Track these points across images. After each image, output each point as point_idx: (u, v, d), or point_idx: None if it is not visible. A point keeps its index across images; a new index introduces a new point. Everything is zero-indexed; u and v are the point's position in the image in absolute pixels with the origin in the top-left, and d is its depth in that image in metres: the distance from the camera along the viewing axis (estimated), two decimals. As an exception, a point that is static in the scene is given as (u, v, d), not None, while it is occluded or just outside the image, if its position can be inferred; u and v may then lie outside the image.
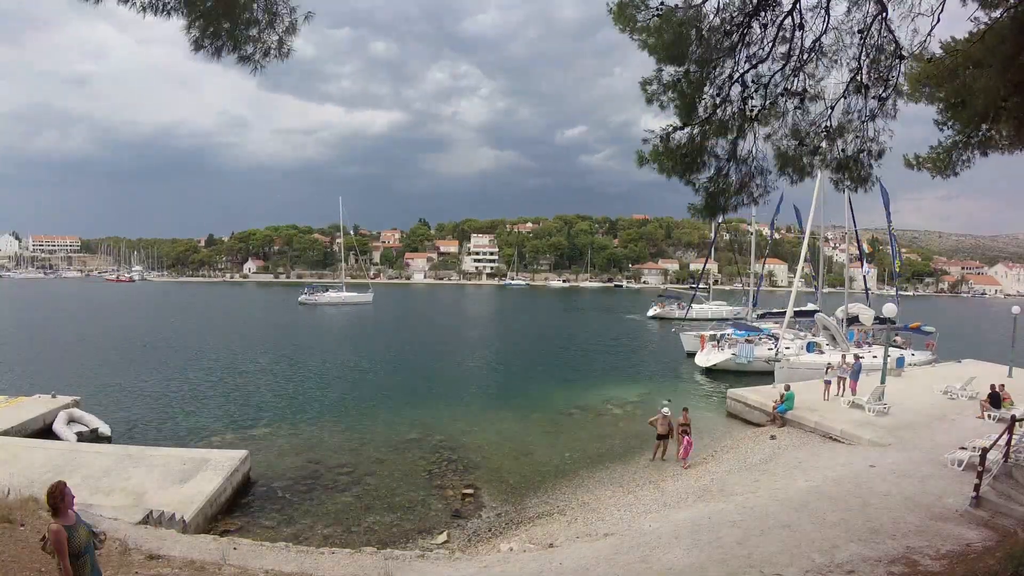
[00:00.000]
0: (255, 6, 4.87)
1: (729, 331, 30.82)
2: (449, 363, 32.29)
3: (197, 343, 37.14)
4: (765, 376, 23.58)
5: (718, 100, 5.92)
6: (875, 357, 26.10)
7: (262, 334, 43.46)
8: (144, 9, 4.58)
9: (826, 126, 6.16)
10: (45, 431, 16.07)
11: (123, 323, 48.54)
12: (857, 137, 6.13)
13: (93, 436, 16.61)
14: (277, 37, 5.14)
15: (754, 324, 32.28)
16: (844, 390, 19.02)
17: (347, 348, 37.05)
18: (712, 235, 60.19)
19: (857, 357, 20.88)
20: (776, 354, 24.70)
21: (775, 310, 35.58)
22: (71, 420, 16.84)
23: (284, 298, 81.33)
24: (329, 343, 39.58)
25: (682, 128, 6.09)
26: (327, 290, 74.43)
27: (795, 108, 6.06)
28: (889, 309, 23.97)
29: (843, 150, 6.21)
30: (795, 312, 29.75)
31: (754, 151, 6.25)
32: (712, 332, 32.07)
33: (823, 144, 6.20)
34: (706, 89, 5.86)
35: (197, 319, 53.66)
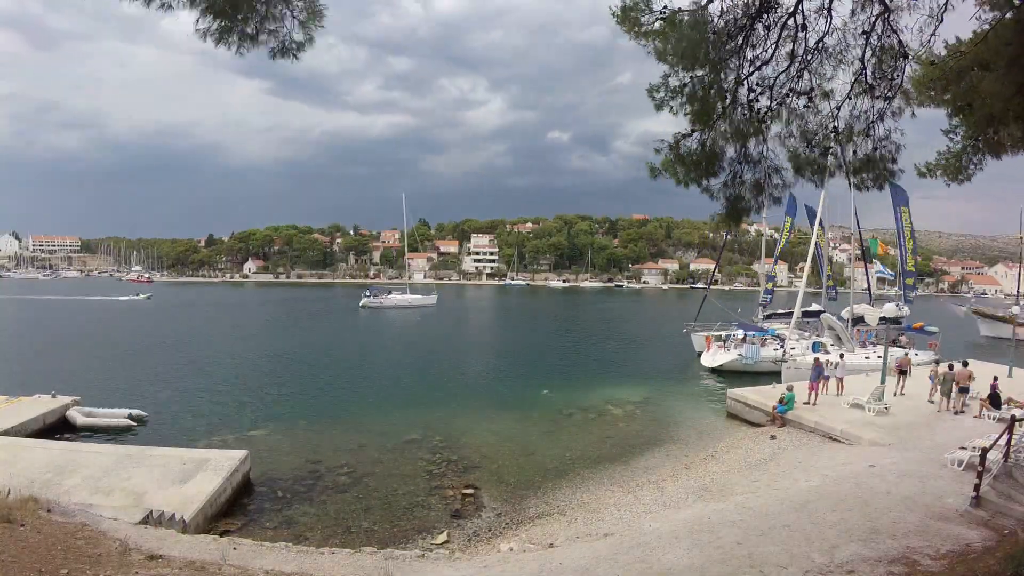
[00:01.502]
0: None
1: (736, 331, 30.87)
2: (449, 364, 32.29)
3: (250, 349, 36.10)
4: (771, 376, 23.57)
5: (727, 103, 5.88)
6: (880, 357, 26.13)
7: (344, 345, 37.92)
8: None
9: (834, 127, 6.11)
10: (45, 431, 16.08)
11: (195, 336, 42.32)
12: (869, 137, 6.07)
13: (131, 419, 17.63)
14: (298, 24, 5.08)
15: (760, 324, 32.32)
16: (841, 389, 19.20)
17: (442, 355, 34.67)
18: (725, 235, 59.88)
19: (817, 360, 20.87)
20: (783, 354, 24.71)
21: (781, 311, 35.60)
22: (88, 415, 17.19)
23: (345, 301, 76.00)
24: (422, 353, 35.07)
25: (691, 134, 6.04)
26: (390, 292, 68.97)
27: (804, 108, 6.01)
28: (889, 309, 23.98)
29: (855, 151, 6.15)
30: (801, 312, 29.80)
31: (765, 151, 6.19)
32: (718, 332, 32.10)
33: (833, 144, 6.14)
34: (714, 92, 5.82)
35: (261, 328, 48.46)
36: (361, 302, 65.41)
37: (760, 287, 38.60)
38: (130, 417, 17.65)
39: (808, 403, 18.00)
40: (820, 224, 32.09)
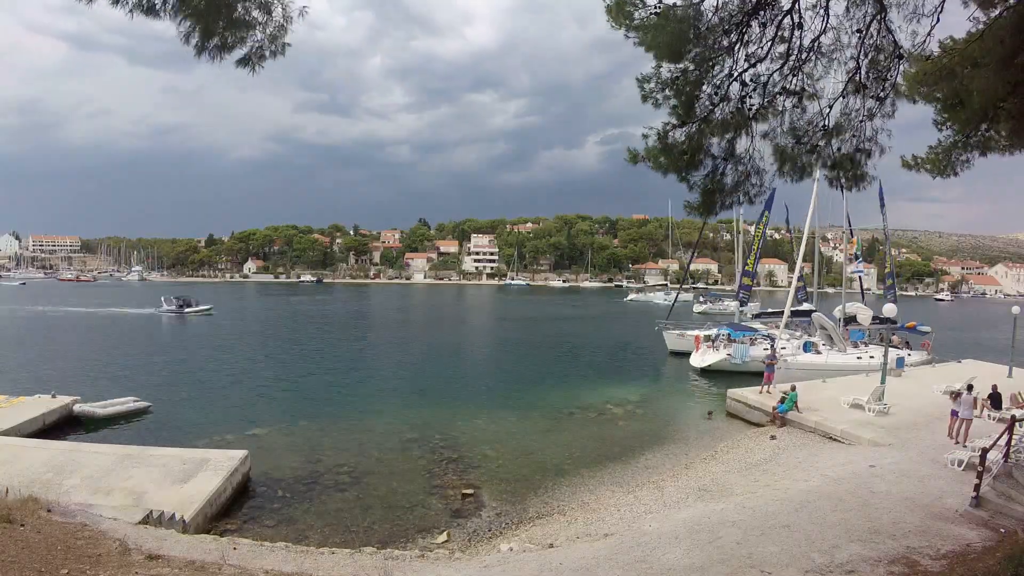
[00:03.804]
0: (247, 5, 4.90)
1: (724, 331, 30.78)
2: (449, 363, 32.30)
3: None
4: (760, 377, 23.54)
5: (716, 99, 5.91)
6: (872, 357, 26.11)
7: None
8: (133, 9, 4.61)
9: (823, 125, 6.15)
10: (45, 431, 16.09)
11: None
12: (854, 136, 6.12)
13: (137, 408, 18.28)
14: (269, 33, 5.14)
15: (748, 324, 32.24)
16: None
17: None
18: (711, 234, 59.69)
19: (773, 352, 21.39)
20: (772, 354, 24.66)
21: (771, 310, 35.49)
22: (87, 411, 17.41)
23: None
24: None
25: (680, 126, 6.07)
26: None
27: (793, 107, 6.05)
28: (889, 309, 23.97)
29: (839, 149, 6.19)
30: (792, 312, 29.72)
31: (751, 150, 6.24)
32: (707, 332, 32.05)
33: (820, 143, 6.18)
34: (704, 87, 5.84)
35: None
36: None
37: (737, 286, 37.94)
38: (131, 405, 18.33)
39: (762, 392, 18.58)
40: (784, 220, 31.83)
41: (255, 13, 4.96)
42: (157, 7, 4.62)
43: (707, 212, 6.87)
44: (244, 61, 5.23)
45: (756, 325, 31.94)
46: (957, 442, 13.35)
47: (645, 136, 6.15)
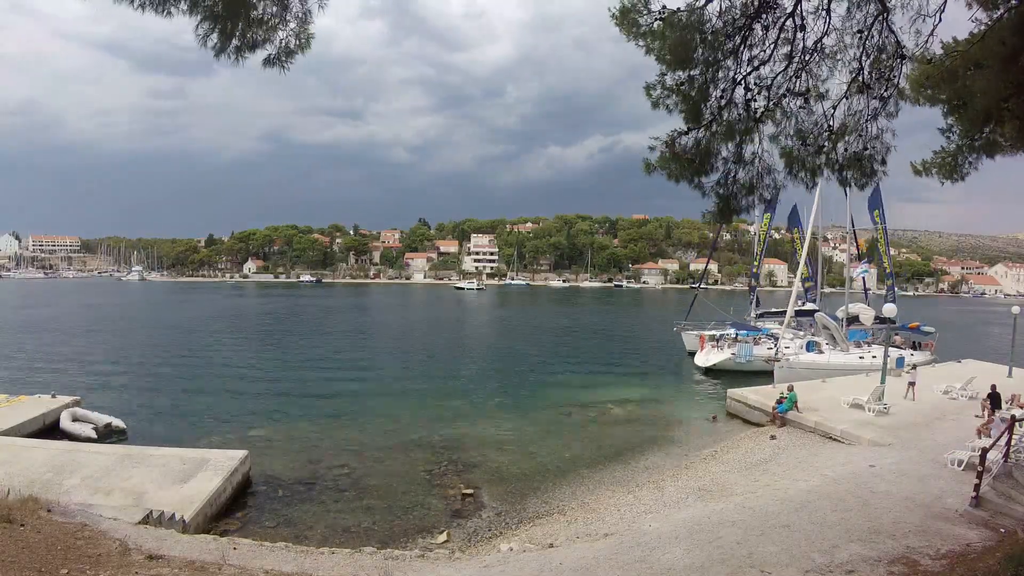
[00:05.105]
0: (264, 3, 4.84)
1: (729, 331, 30.79)
2: (449, 363, 32.29)
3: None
4: (765, 376, 23.58)
5: (723, 102, 5.91)
6: (875, 357, 26.11)
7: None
8: (143, 6, 4.56)
9: (829, 126, 6.15)
10: (45, 431, 16.07)
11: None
12: (860, 136, 6.11)
13: (108, 431, 16.78)
14: (293, 29, 5.08)
15: (754, 324, 32.23)
16: None
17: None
18: (715, 234, 59.68)
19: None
20: (776, 354, 24.67)
21: (774, 309, 35.46)
22: (75, 419, 16.88)
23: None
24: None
25: (687, 132, 6.05)
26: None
27: (799, 108, 6.05)
28: (889, 309, 23.95)
29: (847, 149, 6.18)
30: (795, 312, 29.71)
31: (760, 151, 6.22)
32: (712, 332, 32.04)
33: (827, 144, 6.17)
34: (710, 91, 5.84)
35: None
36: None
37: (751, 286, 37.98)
38: (109, 427, 16.92)
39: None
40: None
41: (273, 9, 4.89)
42: (169, 4, 4.56)
43: (726, 218, 6.81)
44: (270, 61, 5.16)
45: (760, 325, 31.96)
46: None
47: (652, 147, 6.13)
